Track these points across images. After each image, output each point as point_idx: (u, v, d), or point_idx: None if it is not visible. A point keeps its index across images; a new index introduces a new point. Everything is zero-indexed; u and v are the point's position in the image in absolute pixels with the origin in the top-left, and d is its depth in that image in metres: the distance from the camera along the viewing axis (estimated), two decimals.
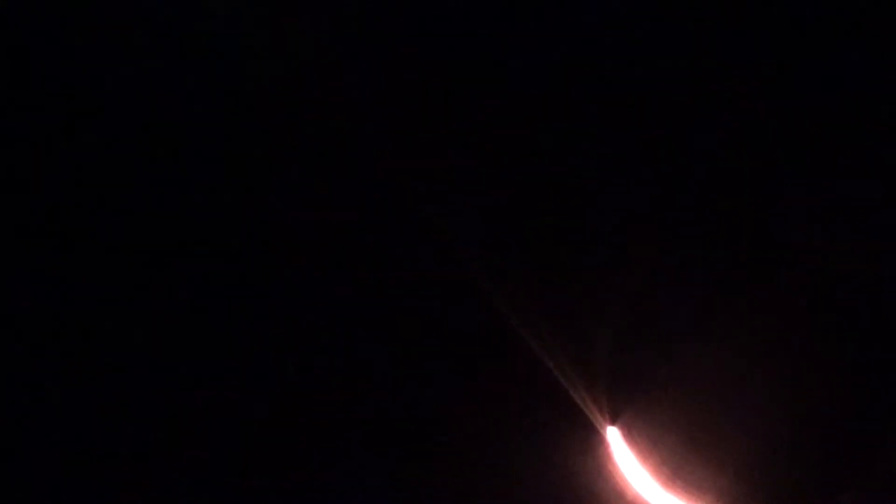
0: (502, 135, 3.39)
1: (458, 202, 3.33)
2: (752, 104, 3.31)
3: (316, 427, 3.30)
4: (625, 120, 3.35)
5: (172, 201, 3.39)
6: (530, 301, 3.24)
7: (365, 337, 3.35)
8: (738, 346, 3.19)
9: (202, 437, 3.28)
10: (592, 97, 3.36)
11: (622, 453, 3.24)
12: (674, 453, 3.18)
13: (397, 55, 3.39)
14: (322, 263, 3.37)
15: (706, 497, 3.16)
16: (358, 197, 3.39)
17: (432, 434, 3.29)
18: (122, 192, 3.38)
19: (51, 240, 3.35)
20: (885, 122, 3.24)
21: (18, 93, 3.38)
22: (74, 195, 3.37)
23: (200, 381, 3.31)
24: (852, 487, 3.10)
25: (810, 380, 3.15)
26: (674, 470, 3.18)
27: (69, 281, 3.34)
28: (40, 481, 3.25)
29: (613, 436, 3.24)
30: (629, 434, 3.23)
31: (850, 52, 3.26)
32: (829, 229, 3.24)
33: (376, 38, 3.40)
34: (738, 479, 3.13)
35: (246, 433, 3.30)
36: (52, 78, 3.37)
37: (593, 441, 3.23)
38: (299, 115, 3.37)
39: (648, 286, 3.26)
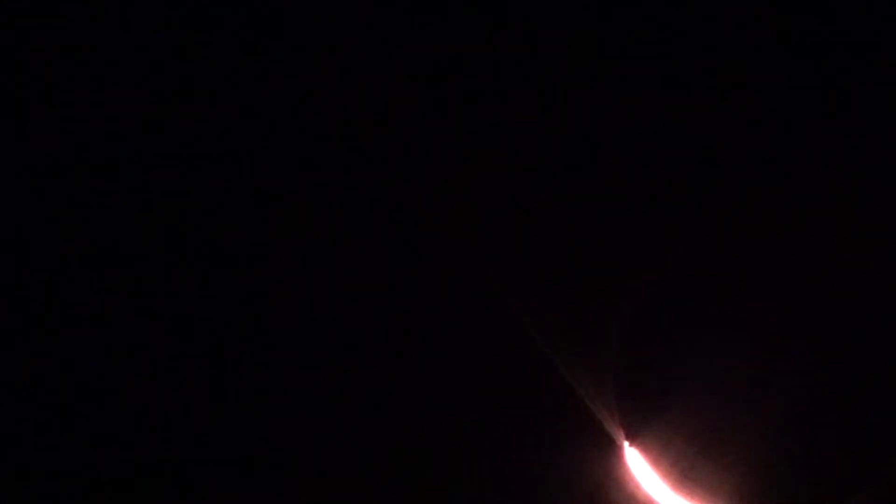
0: (514, 143, 3.40)
1: (478, 221, 3.35)
2: (757, 108, 3.33)
3: (339, 438, 3.32)
4: (634, 126, 3.36)
5: (175, 199, 3.39)
6: (549, 318, 3.25)
7: (387, 358, 3.36)
8: (748, 351, 3.19)
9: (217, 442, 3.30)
10: (602, 103, 3.36)
11: (634, 457, 3.23)
12: (684, 456, 3.17)
13: (412, 57, 3.40)
14: (336, 271, 3.39)
15: (717, 499, 3.15)
16: (369, 205, 3.40)
17: (458, 446, 3.30)
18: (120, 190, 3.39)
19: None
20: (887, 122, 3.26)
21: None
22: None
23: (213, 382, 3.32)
24: (863, 488, 3.10)
25: (820, 383, 3.15)
26: (684, 472, 3.17)
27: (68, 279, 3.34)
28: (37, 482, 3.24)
29: (625, 440, 3.24)
30: (640, 439, 3.23)
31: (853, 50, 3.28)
32: (835, 235, 3.25)
33: (385, 39, 3.41)
34: (750, 481, 3.12)
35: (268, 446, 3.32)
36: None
37: (606, 446, 3.23)
38: (309, 116, 3.38)
39: (658, 295, 3.26)
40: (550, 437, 3.24)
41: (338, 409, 3.34)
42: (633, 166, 3.36)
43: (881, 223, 3.25)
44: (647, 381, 3.24)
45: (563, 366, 3.21)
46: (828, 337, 3.20)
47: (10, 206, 3.35)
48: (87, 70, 3.37)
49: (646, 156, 3.36)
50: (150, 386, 3.32)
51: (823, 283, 3.23)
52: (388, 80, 3.39)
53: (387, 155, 3.38)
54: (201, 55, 3.38)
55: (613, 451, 3.24)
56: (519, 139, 3.41)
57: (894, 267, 3.22)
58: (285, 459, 3.31)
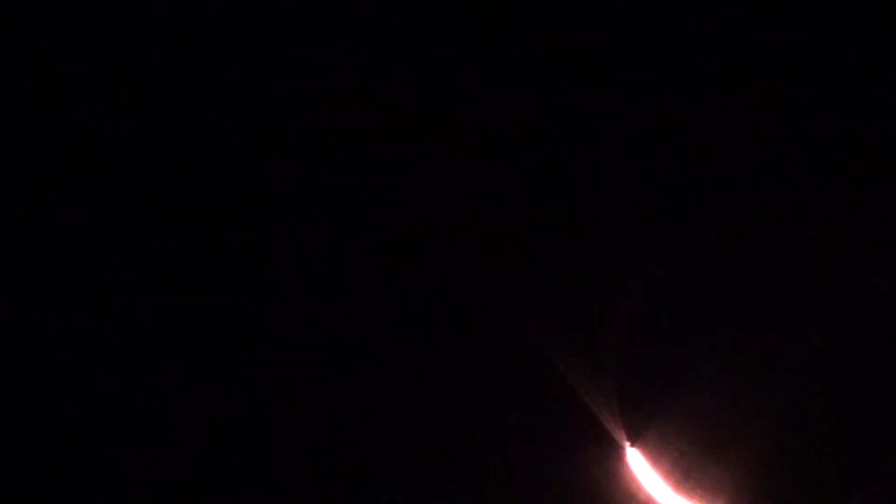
0: (514, 143, 3.40)
1: (478, 221, 3.35)
2: (762, 108, 3.33)
3: (339, 438, 3.32)
4: (634, 126, 3.36)
5: (173, 199, 3.38)
6: (549, 319, 3.26)
7: (387, 358, 3.36)
8: (749, 351, 3.20)
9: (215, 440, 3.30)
10: (602, 103, 3.36)
11: (635, 458, 3.23)
12: (686, 457, 3.18)
13: (412, 57, 3.40)
14: (336, 271, 3.38)
15: (719, 500, 3.16)
16: (369, 205, 3.39)
17: (458, 446, 3.31)
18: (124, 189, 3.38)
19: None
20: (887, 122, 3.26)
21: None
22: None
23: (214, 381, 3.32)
24: (865, 488, 3.10)
25: (820, 383, 3.15)
26: (686, 473, 3.18)
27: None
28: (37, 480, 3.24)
29: (626, 441, 3.24)
30: (642, 439, 3.23)
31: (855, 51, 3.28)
32: (835, 235, 3.25)
33: (385, 39, 3.40)
34: (751, 481, 3.12)
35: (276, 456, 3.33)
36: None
37: (607, 447, 3.23)
38: (309, 117, 3.38)
39: (659, 295, 3.27)
40: (551, 438, 3.24)
41: (338, 409, 3.34)
42: (634, 166, 3.36)
43: (881, 223, 3.25)
44: (648, 381, 3.24)
45: (564, 366, 3.21)
46: (828, 337, 3.21)
47: (9, 206, 3.35)
48: (85, 70, 3.37)
49: (646, 156, 3.36)
50: (149, 386, 3.32)
51: (824, 283, 3.24)
52: (388, 80, 3.39)
53: (387, 155, 3.37)
54: (201, 55, 3.38)
55: (615, 451, 3.24)
56: (519, 139, 3.41)
57: (894, 267, 3.23)
58: (285, 459, 3.31)
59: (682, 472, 3.19)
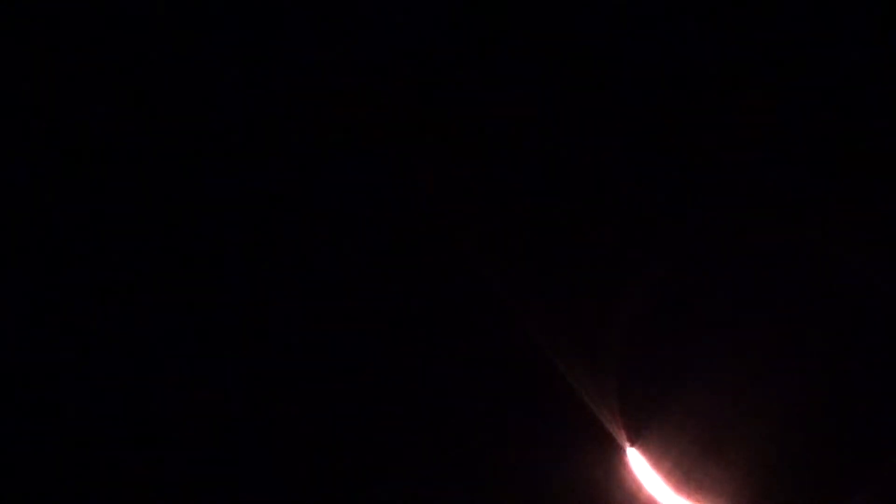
0: (514, 144, 3.40)
1: (478, 221, 3.34)
2: (763, 109, 3.32)
3: (338, 438, 3.32)
4: (634, 126, 3.36)
5: (174, 199, 3.38)
6: (549, 319, 3.26)
7: (388, 358, 3.35)
8: (749, 352, 3.20)
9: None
10: (602, 103, 3.36)
11: (636, 458, 3.23)
12: (687, 457, 3.18)
13: (412, 57, 3.39)
14: (336, 271, 3.38)
15: (719, 500, 3.16)
16: (369, 205, 3.39)
17: (458, 447, 3.31)
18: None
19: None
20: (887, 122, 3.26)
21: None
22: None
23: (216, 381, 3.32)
24: (865, 488, 3.10)
25: (820, 383, 3.15)
26: (687, 473, 3.18)
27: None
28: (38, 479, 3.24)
29: (627, 441, 3.24)
30: (643, 440, 3.23)
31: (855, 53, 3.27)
32: (835, 235, 3.25)
33: (385, 39, 3.40)
34: (751, 481, 3.12)
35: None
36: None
37: (608, 448, 3.23)
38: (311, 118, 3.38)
39: (659, 295, 3.27)
40: (551, 439, 3.24)
41: (338, 409, 3.34)
42: (634, 166, 3.36)
43: (881, 223, 3.25)
44: (648, 381, 3.24)
45: (564, 366, 3.21)
46: (828, 337, 3.21)
47: (9, 206, 3.34)
48: (85, 70, 3.36)
49: (646, 156, 3.36)
50: (149, 386, 3.31)
51: (824, 283, 3.24)
52: (388, 80, 3.38)
53: (387, 155, 3.37)
54: (201, 55, 3.37)
55: (615, 452, 3.24)
56: (519, 139, 3.40)
57: (894, 267, 3.22)
58: (285, 459, 3.31)
59: (682, 472, 3.19)
